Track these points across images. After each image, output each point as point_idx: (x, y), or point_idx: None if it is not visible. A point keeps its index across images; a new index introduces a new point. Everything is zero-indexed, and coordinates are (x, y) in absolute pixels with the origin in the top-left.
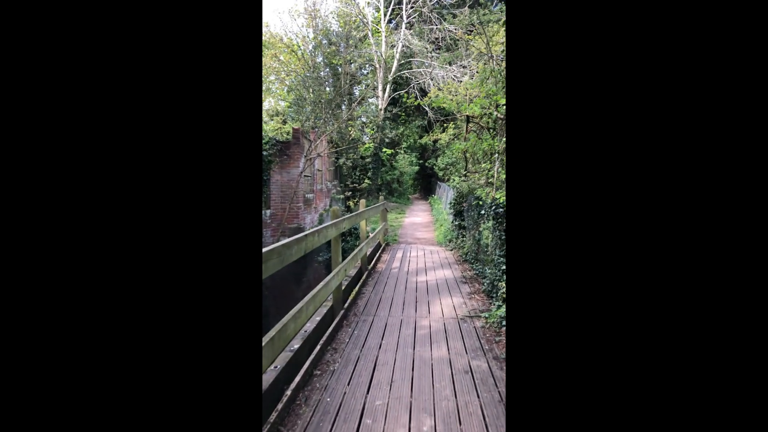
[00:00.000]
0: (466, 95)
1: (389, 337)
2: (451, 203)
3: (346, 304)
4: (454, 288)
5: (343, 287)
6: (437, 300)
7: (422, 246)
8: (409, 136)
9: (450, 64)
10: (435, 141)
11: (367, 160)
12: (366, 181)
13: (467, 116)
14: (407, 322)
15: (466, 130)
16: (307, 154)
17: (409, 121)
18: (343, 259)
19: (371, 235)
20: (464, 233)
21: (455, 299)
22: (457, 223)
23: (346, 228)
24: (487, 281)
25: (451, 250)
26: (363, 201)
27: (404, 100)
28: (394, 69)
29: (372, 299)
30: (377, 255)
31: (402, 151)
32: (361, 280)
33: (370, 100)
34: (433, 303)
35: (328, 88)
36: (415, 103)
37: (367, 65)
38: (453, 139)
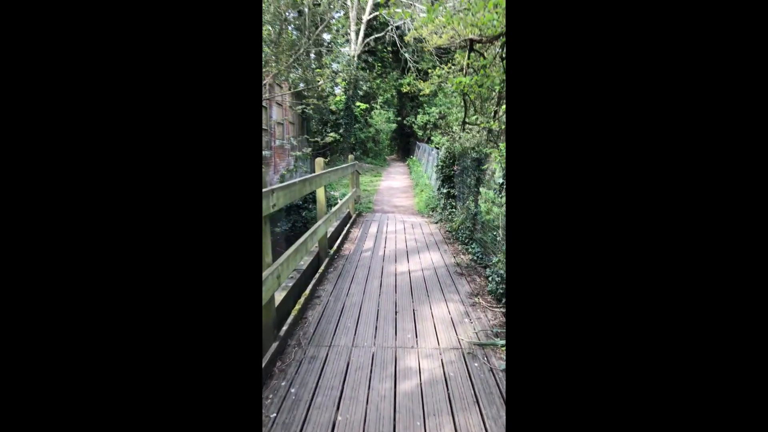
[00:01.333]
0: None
1: (350, 409)
2: (437, 166)
3: (284, 329)
4: (449, 285)
5: (278, 302)
6: (427, 310)
7: (401, 216)
8: (386, 90)
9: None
10: (414, 95)
11: (339, 114)
12: (331, 134)
13: (470, 41)
14: (382, 364)
15: (465, 66)
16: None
17: (385, 73)
18: (284, 255)
19: (337, 206)
20: (454, 203)
21: (453, 306)
22: (445, 191)
23: (284, 203)
24: (495, 276)
25: (437, 222)
26: (319, 160)
27: (380, 48)
28: (368, 8)
29: (329, 312)
30: (345, 231)
31: (378, 107)
32: (317, 275)
33: (343, 50)
34: (422, 317)
35: (290, 28)
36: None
37: (337, 1)
38: (440, 86)
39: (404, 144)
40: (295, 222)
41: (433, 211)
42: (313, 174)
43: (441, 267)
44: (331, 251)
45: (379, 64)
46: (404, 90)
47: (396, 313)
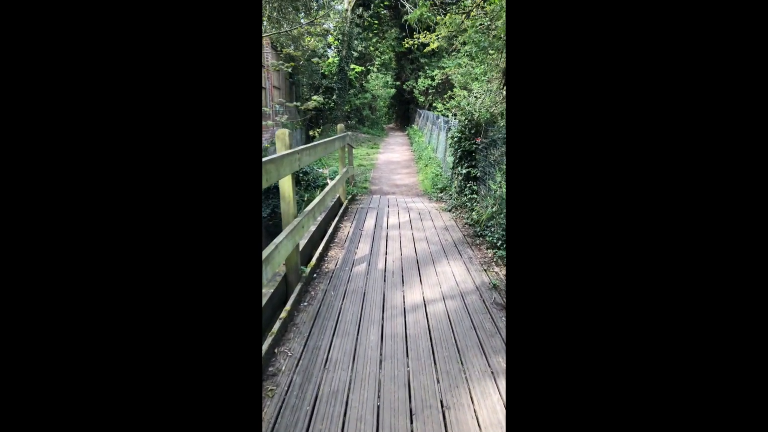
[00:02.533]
0: None
1: None
2: (453, 138)
3: None
4: (491, 335)
5: None
6: (465, 401)
7: (404, 200)
8: (383, 52)
9: None
10: (415, 57)
11: (332, 78)
12: (314, 98)
13: None
14: None
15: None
16: None
17: (382, 31)
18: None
19: (320, 196)
20: (476, 187)
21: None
22: (463, 171)
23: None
24: None
25: (450, 210)
26: (282, 132)
27: (376, 1)
28: None
29: (288, 420)
30: (332, 227)
31: (374, 70)
32: (278, 324)
33: (337, 8)
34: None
35: None
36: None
37: None
38: (451, 40)
39: (403, 111)
40: (275, 207)
41: (442, 192)
42: (273, 156)
43: (471, 292)
44: (308, 269)
45: (376, 22)
46: (405, 46)
47: (412, 416)
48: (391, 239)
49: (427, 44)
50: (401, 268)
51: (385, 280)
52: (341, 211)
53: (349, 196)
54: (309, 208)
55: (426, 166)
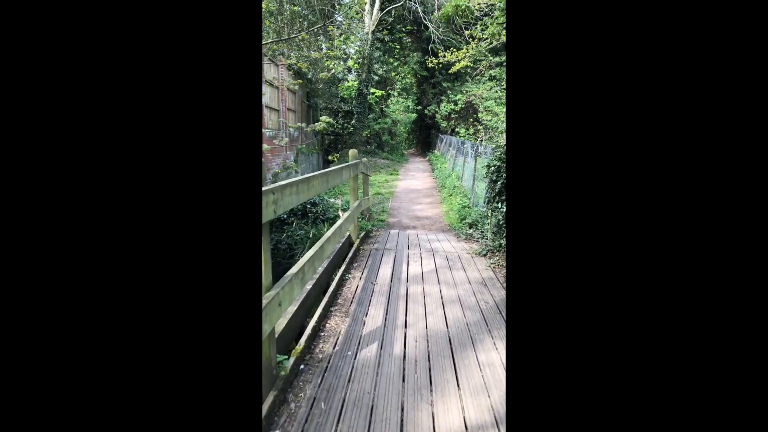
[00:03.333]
0: None
1: None
2: (490, 167)
3: None
4: None
5: None
6: None
7: (428, 237)
8: (404, 75)
9: None
10: (437, 74)
11: (351, 102)
12: (323, 119)
13: None
14: None
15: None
16: None
17: (404, 54)
18: None
19: (315, 249)
20: None
21: None
22: (502, 207)
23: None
24: None
25: (485, 253)
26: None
27: (398, 26)
28: None
29: None
30: (337, 280)
31: (395, 94)
32: None
33: (356, 27)
34: None
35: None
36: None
37: None
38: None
39: (424, 137)
40: (278, 243)
41: (472, 229)
42: (275, 183)
43: None
44: (292, 357)
45: (398, 46)
46: (429, 65)
47: None
48: (413, 300)
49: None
50: (427, 354)
51: (404, 379)
52: (351, 253)
53: (362, 233)
54: (296, 268)
55: (450, 195)
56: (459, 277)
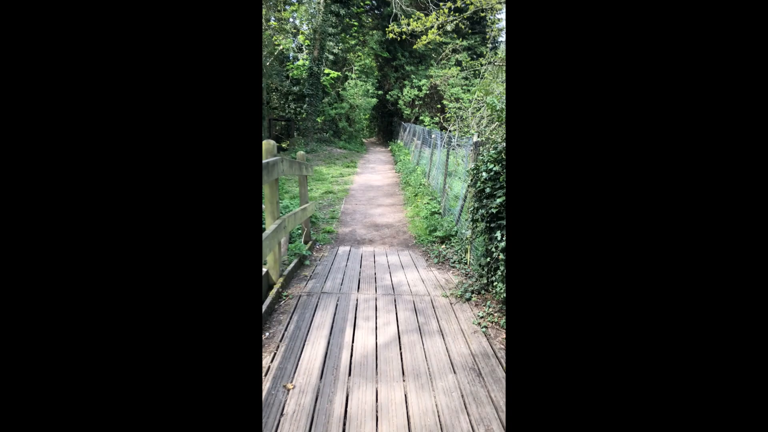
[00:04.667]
0: None
1: None
2: (475, 169)
3: None
4: None
5: None
6: None
7: (390, 262)
8: (363, 57)
9: None
10: (399, 65)
11: (303, 84)
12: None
13: None
14: None
15: None
16: None
17: (363, 32)
18: None
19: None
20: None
21: None
22: (493, 222)
23: None
24: None
25: (469, 295)
26: None
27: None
28: None
29: None
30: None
31: (353, 76)
32: None
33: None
34: None
35: None
36: None
37: None
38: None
39: (386, 125)
40: None
41: (444, 244)
42: None
43: None
44: None
45: (355, 23)
46: (390, 36)
47: None
48: (359, 427)
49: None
50: None
51: None
52: (265, 307)
53: (293, 261)
54: None
55: (416, 195)
56: (435, 355)
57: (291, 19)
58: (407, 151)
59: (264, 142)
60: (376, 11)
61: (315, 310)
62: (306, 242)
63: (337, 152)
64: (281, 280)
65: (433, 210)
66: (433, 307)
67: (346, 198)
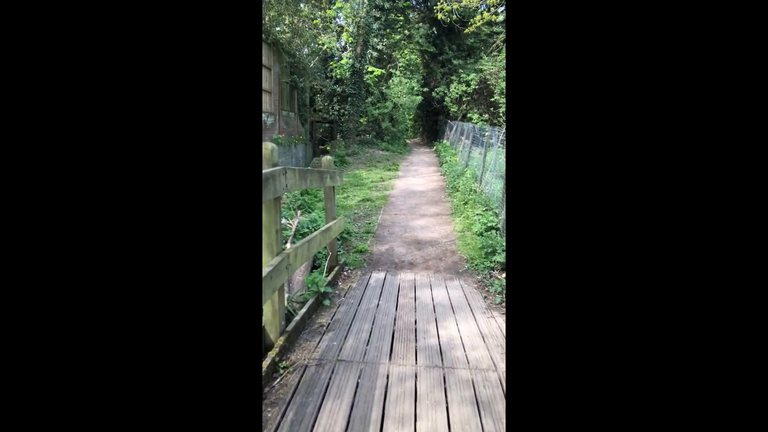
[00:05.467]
0: None
1: None
2: None
3: None
4: None
5: None
6: None
7: (436, 300)
8: (408, 52)
9: None
10: (446, 59)
11: (345, 83)
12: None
13: None
14: None
15: None
16: None
17: (408, 27)
18: None
19: None
20: None
21: None
22: None
23: None
24: None
25: None
26: None
27: None
28: None
29: None
30: None
31: (397, 73)
32: None
33: None
34: None
35: None
36: None
37: None
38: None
39: (431, 124)
40: None
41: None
42: None
43: None
44: None
45: (401, 17)
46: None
47: None
48: None
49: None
50: None
51: None
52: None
53: (308, 301)
54: None
55: (465, 204)
56: None
57: (336, 18)
58: (454, 151)
59: (267, 148)
60: (421, 5)
61: (323, 400)
62: (330, 269)
63: (379, 154)
64: (282, 339)
65: (488, 224)
66: (505, 395)
67: (385, 206)
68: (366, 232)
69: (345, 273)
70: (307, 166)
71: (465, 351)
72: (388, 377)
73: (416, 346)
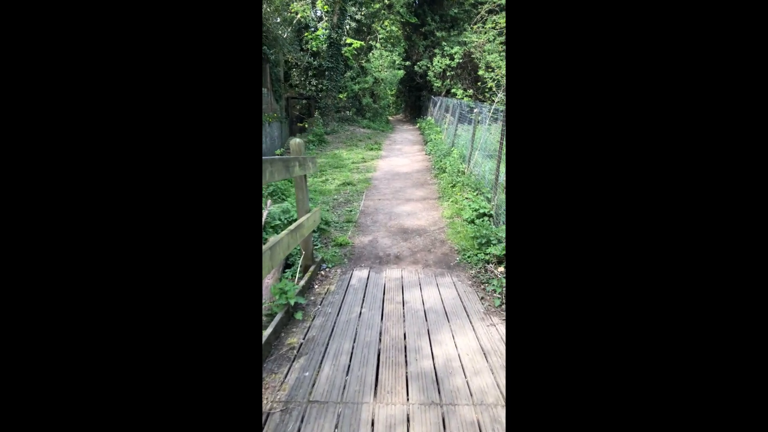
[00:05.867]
0: None
1: None
2: None
3: None
4: None
5: None
6: None
7: (427, 303)
8: (389, 23)
9: None
10: (429, 31)
11: (322, 56)
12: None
13: None
14: None
15: None
16: None
17: None
18: None
19: None
20: None
21: None
22: None
23: None
24: None
25: None
26: None
27: None
28: None
29: None
30: None
31: (378, 45)
32: None
33: None
34: None
35: None
36: None
37: None
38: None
39: (414, 100)
40: None
41: (504, 265)
42: None
43: None
44: None
45: None
46: None
47: None
48: None
49: None
50: None
51: None
52: None
53: (275, 317)
54: None
55: (453, 186)
56: None
57: None
58: (439, 129)
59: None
60: None
61: None
62: (305, 269)
63: (360, 132)
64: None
65: (480, 210)
66: None
67: (367, 191)
68: (347, 221)
69: (322, 272)
70: (282, 145)
71: (466, 377)
72: (373, 424)
73: (407, 372)
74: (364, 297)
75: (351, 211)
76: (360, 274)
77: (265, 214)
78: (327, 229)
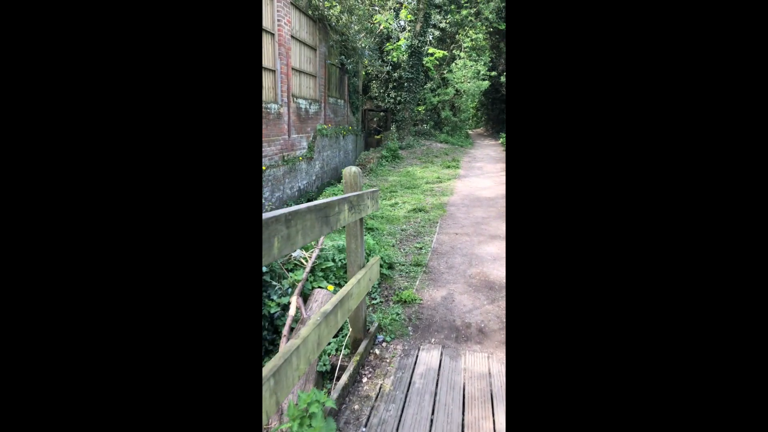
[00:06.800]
0: None
1: None
2: None
3: None
4: None
5: None
6: None
7: None
8: (474, 32)
9: None
10: None
11: (402, 67)
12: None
13: None
14: None
15: None
16: None
17: (476, 2)
18: None
19: None
20: None
21: None
22: None
23: None
24: None
25: None
26: None
27: None
28: None
29: None
30: None
31: (461, 55)
32: None
33: None
34: None
35: None
36: None
37: None
38: None
39: (497, 113)
40: None
41: None
42: None
43: None
44: None
45: None
46: None
47: None
48: None
49: None
50: None
51: None
52: None
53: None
54: None
55: None
56: None
57: None
58: None
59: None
60: None
61: None
62: (355, 345)
63: (436, 147)
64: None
65: None
66: None
67: (441, 220)
68: (415, 264)
69: (376, 351)
70: (356, 160)
71: None
72: None
73: None
74: (433, 412)
75: (421, 248)
76: (428, 358)
77: (314, 254)
78: (389, 274)
